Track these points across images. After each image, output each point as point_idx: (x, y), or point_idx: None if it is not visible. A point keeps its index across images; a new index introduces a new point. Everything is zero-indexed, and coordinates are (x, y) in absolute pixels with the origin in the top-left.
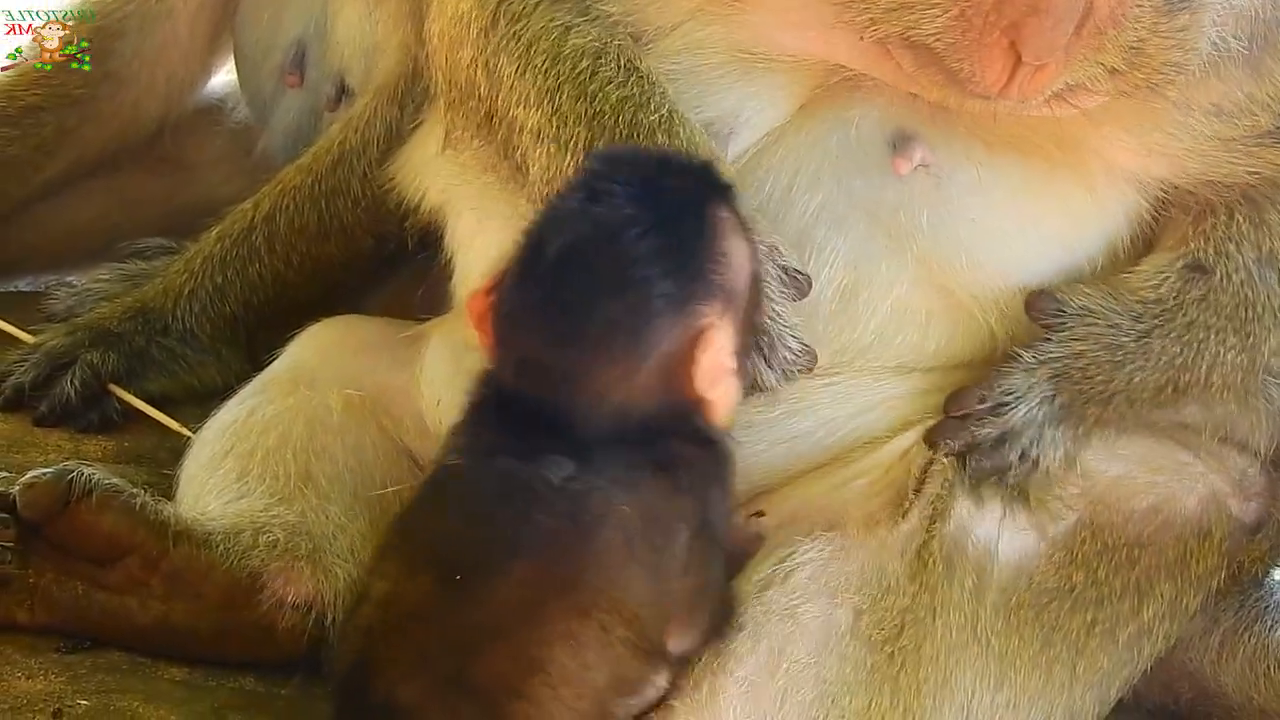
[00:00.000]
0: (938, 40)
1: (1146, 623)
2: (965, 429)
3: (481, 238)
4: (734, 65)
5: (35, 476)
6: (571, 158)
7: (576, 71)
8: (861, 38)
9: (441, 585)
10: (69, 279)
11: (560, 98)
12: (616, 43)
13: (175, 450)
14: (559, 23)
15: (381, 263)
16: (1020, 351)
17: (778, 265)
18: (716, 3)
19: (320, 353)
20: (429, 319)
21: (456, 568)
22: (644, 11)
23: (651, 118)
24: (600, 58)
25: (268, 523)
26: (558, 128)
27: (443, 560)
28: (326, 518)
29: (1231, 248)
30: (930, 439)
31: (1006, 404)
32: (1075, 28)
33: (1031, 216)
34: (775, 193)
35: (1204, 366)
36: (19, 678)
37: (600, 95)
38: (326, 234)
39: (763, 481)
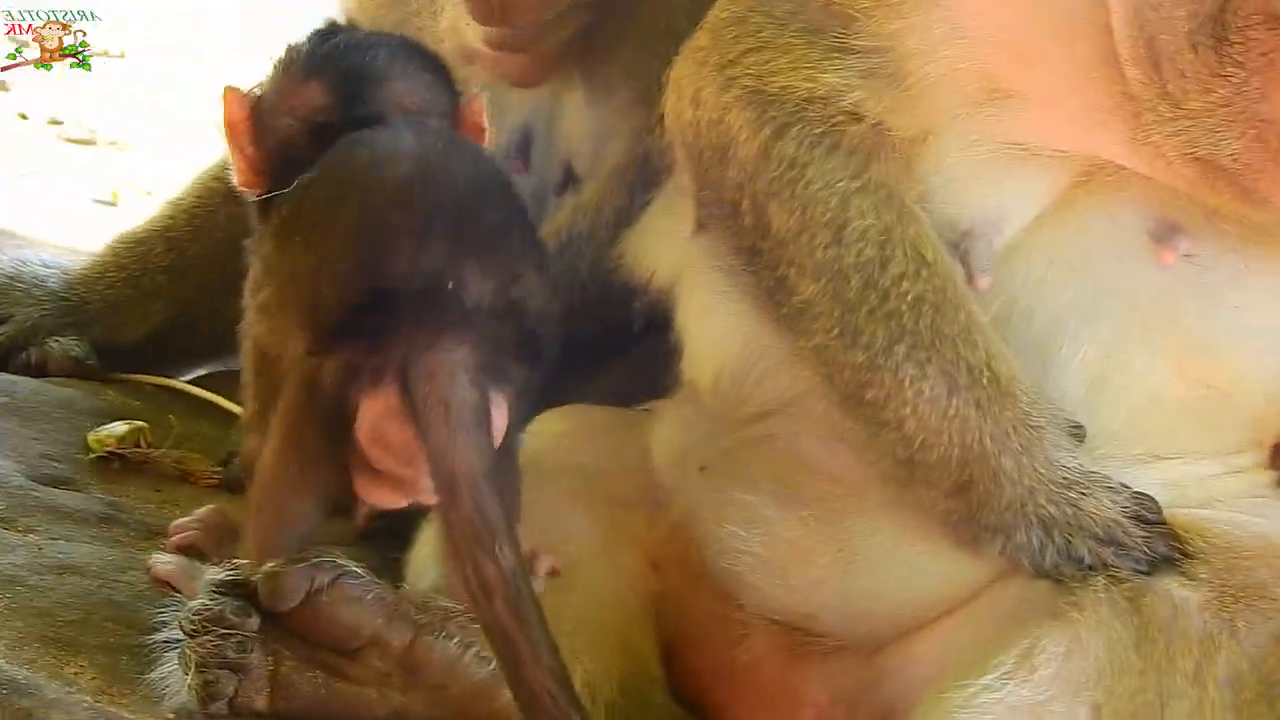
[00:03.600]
0: (1233, 160)
1: None
2: None
3: (714, 318)
4: (1001, 161)
5: (278, 566)
6: (865, 354)
7: (863, 260)
8: (1135, 139)
9: None
10: None
11: (847, 287)
12: (901, 226)
13: None
14: (837, 187)
15: (605, 348)
16: None
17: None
18: (990, 95)
19: (552, 440)
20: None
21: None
22: (914, 111)
23: (952, 328)
24: (886, 245)
25: None
26: (844, 315)
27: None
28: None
29: None
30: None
31: None
32: None
33: None
34: (1028, 283)
35: None
36: None
37: (895, 293)
38: None
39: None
